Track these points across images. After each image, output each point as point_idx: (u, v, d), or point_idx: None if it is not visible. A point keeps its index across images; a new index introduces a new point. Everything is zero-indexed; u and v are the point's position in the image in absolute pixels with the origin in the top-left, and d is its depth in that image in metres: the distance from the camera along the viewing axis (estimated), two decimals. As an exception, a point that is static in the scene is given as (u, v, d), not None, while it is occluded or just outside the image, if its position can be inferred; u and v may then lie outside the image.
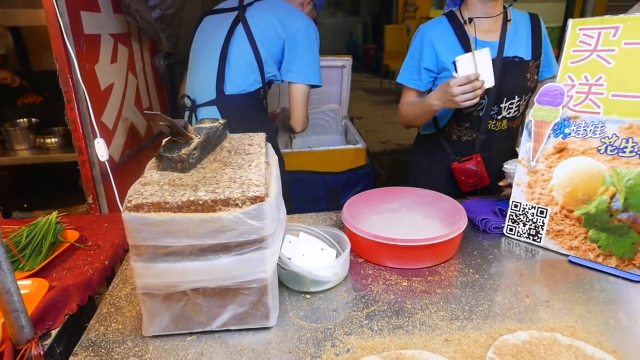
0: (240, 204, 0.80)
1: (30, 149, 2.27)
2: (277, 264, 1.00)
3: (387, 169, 3.94)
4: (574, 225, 1.14)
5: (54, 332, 0.91)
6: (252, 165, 0.92)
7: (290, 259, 1.03)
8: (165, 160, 0.90)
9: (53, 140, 2.25)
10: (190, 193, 0.81)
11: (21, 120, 2.40)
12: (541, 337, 0.87)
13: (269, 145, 1.11)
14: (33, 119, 2.41)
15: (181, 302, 0.86)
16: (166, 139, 0.95)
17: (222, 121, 1.05)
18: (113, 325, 0.93)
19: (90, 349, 0.86)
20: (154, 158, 0.92)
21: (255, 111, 1.65)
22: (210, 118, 1.06)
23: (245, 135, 1.09)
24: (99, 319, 0.95)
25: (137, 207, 0.78)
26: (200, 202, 0.79)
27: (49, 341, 0.89)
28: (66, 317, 0.96)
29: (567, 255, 1.14)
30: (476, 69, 1.37)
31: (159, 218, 0.78)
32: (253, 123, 1.63)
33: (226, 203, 0.80)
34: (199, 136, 0.95)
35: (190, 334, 0.90)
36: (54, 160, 2.16)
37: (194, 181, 0.86)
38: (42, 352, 0.84)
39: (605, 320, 0.91)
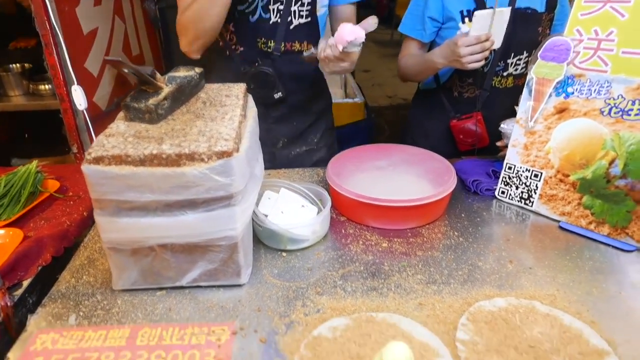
0: (206, 159, 0.76)
1: (24, 95, 2.23)
2: (253, 220, 0.97)
3: (391, 124, 3.85)
4: (568, 190, 1.08)
5: (25, 283, 0.91)
6: (226, 118, 0.87)
7: (267, 215, 1.00)
8: (132, 111, 0.85)
9: (47, 87, 2.20)
10: (154, 146, 0.77)
11: (14, 65, 2.34)
12: (519, 304, 0.84)
13: (250, 97, 1.05)
14: (26, 65, 2.35)
15: (149, 257, 0.84)
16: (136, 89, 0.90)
17: (198, 70, 0.99)
18: (84, 277, 0.92)
19: (59, 300, 0.86)
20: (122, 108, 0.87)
21: None
22: (186, 67, 1.00)
23: (224, 86, 1.03)
24: (71, 271, 0.94)
25: (97, 160, 0.75)
26: (164, 156, 0.75)
27: (20, 291, 0.89)
28: (39, 268, 0.95)
29: (559, 221, 1.09)
30: (490, 28, 1.26)
31: (120, 172, 0.74)
32: None
33: (191, 157, 0.75)
34: (170, 85, 0.90)
35: (160, 289, 0.88)
36: (48, 108, 2.13)
37: (160, 133, 0.81)
38: (9, 303, 0.83)
39: (589, 289, 0.88)
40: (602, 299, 0.86)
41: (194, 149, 0.76)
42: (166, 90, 0.88)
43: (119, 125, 0.85)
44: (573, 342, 0.75)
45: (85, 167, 0.74)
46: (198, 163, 0.76)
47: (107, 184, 0.75)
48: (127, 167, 0.75)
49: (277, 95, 1.38)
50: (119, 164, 0.75)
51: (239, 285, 0.90)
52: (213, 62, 1.43)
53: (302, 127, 1.51)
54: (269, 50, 1.34)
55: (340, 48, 1.06)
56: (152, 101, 0.84)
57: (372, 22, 1.06)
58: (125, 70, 0.82)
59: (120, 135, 0.81)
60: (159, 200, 0.78)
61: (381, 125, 2.93)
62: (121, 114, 0.89)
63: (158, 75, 0.87)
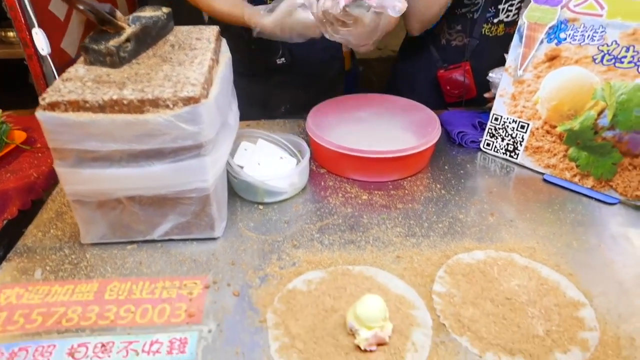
0: (171, 105, 0.71)
1: (-6, 42, 2.11)
2: (228, 172, 0.94)
3: (380, 76, 3.74)
4: (554, 142, 1.05)
5: (-11, 236, 0.87)
6: (195, 62, 0.81)
7: (243, 167, 0.96)
8: (91, 53, 0.78)
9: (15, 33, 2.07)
10: (115, 91, 0.71)
11: (-20, 9, 2.19)
12: (498, 257, 0.82)
13: (224, 41, 0.98)
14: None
15: (116, 210, 0.81)
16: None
17: (165, 10, 0.92)
18: (52, 231, 0.88)
19: (25, 255, 0.83)
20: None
21: None
22: (153, 6, 0.92)
23: (195, 28, 0.96)
24: (38, 225, 0.90)
25: (52, 106, 0.69)
26: (125, 101, 0.70)
27: (-17, 245, 0.85)
28: (5, 221, 0.92)
29: (543, 174, 1.07)
30: None
31: (77, 119, 0.69)
32: None
33: (155, 104, 0.70)
34: (134, 26, 0.83)
35: (131, 242, 0.85)
36: (16, 56, 2.01)
37: (122, 78, 0.75)
38: (-29, 257, 0.80)
39: (569, 242, 0.87)
40: (582, 251, 0.85)
41: (158, 95, 0.70)
42: (129, 31, 0.81)
43: (78, 69, 0.79)
44: (550, 294, 0.74)
45: (39, 114, 0.69)
46: (163, 110, 0.71)
47: (65, 132, 0.70)
48: (85, 113, 0.69)
49: (281, 61, 1.26)
50: (77, 110, 0.70)
51: (213, 239, 0.87)
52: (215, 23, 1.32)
53: (307, 94, 1.36)
54: None
55: (342, 3, 0.82)
56: (112, 43, 0.78)
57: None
58: (81, 7, 0.74)
59: (78, 79, 0.75)
60: (123, 150, 0.73)
61: (369, 78, 2.84)
62: (81, 58, 0.82)
63: (118, 13, 0.80)
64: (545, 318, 0.70)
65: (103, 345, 0.67)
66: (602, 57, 0.97)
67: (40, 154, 1.13)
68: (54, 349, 0.66)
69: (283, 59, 1.25)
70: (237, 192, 0.98)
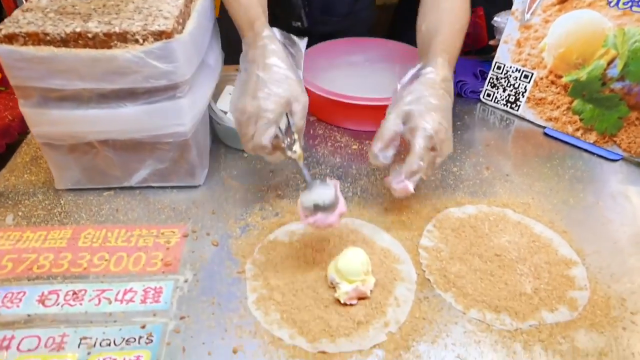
0: (141, 40, 0.64)
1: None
2: (212, 118, 0.88)
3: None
4: (558, 93, 0.99)
5: (-40, 179, 0.83)
6: (171, -7, 0.74)
7: (227, 113, 0.91)
8: (55, -20, 0.71)
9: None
10: (79, 23, 0.65)
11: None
12: (490, 212, 0.79)
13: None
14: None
15: (89, 154, 0.76)
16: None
17: None
18: (25, 176, 0.85)
19: (-4, 199, 0.79)
20: (45, -23, 0.73)
21: None
22: None
23: (174, -43, 0.87)
24: (11, 169, 0.86)
25: (10, 38, 0.63)
26: (90, 35, 0.63)
27: (-46, 188, 0.81)
28: (-23, 164, 0.87)
29: (544, 127, 1.02)
30: None
31: (37, 53, 0.63)
32: None
33: (123, 38, 0.64)
34: (103, -49, 0.75)
35: (107, 189, 0.82)
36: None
37: (89, 9, 0.69)
38: (-61, 200, 0.77)
39: (565, 199, 0.83)
40: (578, 208, 0.81)
41: (126, 28, 0.64)
42: (96, -44, 0.73)
43: (42, -2, 0.72)
44: (541, 251, 0.71)
45: (-4, 47, 0.63)
46: (132, 45, 0.64)
47: (25, 68, 0.64)
48: (46, 47, 0.63)
49: (296, 25, 1.16)
50: (37, 43, 0.64)
51: (194, 187, 0.83)
52: None
53: None
54: None
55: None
56: (78, -31, 0.70)
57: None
58: None
59: (40, 10, 0.68)
60: (91, 89, 0.67)
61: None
62: (46, -14, 0.75)
63: None
64: (534, 276, 0.67)
65: (75, 293, 0.64)
66: (619, 0, 0.89)
67: (15, 96, 1.07)
68: (24, 296, 0.64)
69: (299, 23, 1.15)
70: (222, 139, 0.93)
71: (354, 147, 0.94)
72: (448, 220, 0.77)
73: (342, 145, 0.95)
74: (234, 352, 0.57)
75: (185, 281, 0.66)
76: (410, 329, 0.60)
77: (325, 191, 0.65)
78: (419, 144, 0.67)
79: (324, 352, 0.57)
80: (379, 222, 0.76)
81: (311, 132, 0.98)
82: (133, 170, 0.80)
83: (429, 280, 0.67)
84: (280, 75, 0.69)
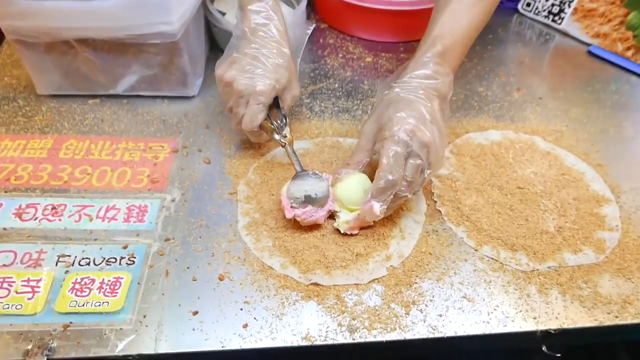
0: None
1: None
2: (208, 20, 0.78)
3: None
4: (612, 3, 0.84)
5: None
6: None
7: (225, 14, 0.80)
8: None
9: None
10: None
11: None
12: (516, 139, 0.70)
13: None
14: None
15: (68, 56, 0.68)
16: None
17: None
18: (6, 79, 0.77)
19: (-27, 102, 0.73)
20: None
21: None
22: None
23: None
24: (-11, 69, 0.79)
25: None
26: None
27: None
28: (-47, 63, 0.80)
29: (589, 45, 0.89)
30: None
31: None
32: None
33: None
34: None
35: (93, 96, 0.74)
36: None
37: None
38: None
39: (604, 128, 0.73)
40: (618, 139, 0.71)
41: None
42: None
43: None
44: (570, 185, 0.63)
45: None
46: None
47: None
48: None
49: None
50: None
51: (187, 98, 0.75)
52: None
53: None
54: None
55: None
56: None
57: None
58: None
59: None
60: (59, -25, 0.57)
61: None
62: None
63: None
64: (559, 213, 0.60)
65: (54, 208, 0.60)
66: None
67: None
68: (0, 208, 0.59)
69: None
70: (220, 44, 0.83)
71: (368, 59, 0.84)
72: (468, 146, 0.68)
73: (355, 57, 0.84)
74: (220, 279, 0.53)
75: (172, 200, 0.61)
76: (415, 264, 0.55)
77: (318, 182, 0.57)
78: (386, 154, 0.51)
79: (316, 284, 0.52)
80: (390, 145, 0.68)
81: (321, 41, 0.87)
82: (118, 76, 0.72)
83: (439, 211, 0.60)
84: (278, 58, 0.60)
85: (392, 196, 0.52)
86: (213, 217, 0.59)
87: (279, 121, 0.62)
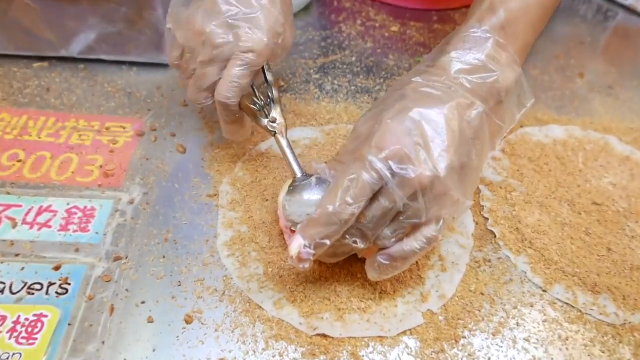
0: None
1: None
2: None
3: None
4: (701, -29, 0.68)
5: None
6: None
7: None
8: None
9: None
10: None
11: None
12: (585, 137, 0.54)
13: None
14: None
15: (1, 3, 0.51)
16: None
17: None
18: None
19: None
20: None
21: None
22: None
23: None
24: None
25: None
26: None
27: None
28: None
29: (665, 23, 0.72)
30: None
31: None
32: None
33: None
34: None
35: (40, 59, 0.57)
36: None
37: None
38: None
39: (697, 127, 0.57)
40: None
41: None
42: None
43: None
44: (663, 203, 0.48)
45: None
46: None
47: None
48: None
49: None
50: None
51: (162, 65, 0.58)
52: None
53: None
54: None
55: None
56: None
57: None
58: None
59: None
60: None
61: None
62: None
63: None
64: (654, 241, 0.45)
65: (-34, 206, 0.44)
66: None
67: None
68: None
69: None
70: None
71: (393, 28, 0.67)
72: (524, 144, 0.53)
73: (377, 25, 0.67)
74: (187, 321, 0.37)
75: (130, 202, 0.45)
76: (461, 308, 0.39)
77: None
78: (341, 176, 0.34)
79: (324, 336, 0.37)
80: (423, 138, 0.52)
81: (334, 3, 0.70)
82: (70, 33, 0.55)
83: (492, 233, 0.45)
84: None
85: (327, 241, 0.33)
86: (183, 229, 0.43)
87: (263, 97, 0.43)
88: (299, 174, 0.39)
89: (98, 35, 0.55)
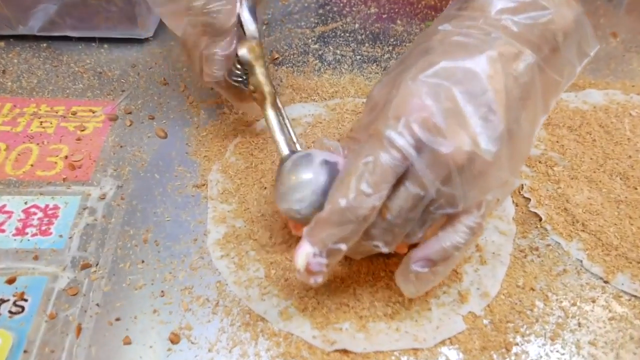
0: None
1: None
2: None
3: None
4: None
5: None
6: None
7: None
8: None
9: None
10: None
11: None
12: (629, 102, 0.47)
13: None
14: None
15: (-61, -34, 0.43)
16: None
17: None
18: None
19: None
20: None
21: None
22: None
23: None
24: None
25: None
26: None
27: None
28: None
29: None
30: None
31: None
32: None
33: None
34: None
35: (-3, 37, 0.50)
36: None
37: None
38: None
39: None
40: None
41: None
42: None
43: None
44: None
45: None
46: None
47: None
48: None
49: None
50: None
51: (139, 41, 0.51)
52: None
53: None
54: None
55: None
56: None
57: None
58: None
59: None
60: None
61: None
62: None
63: None
64: None
65: None
66: None
67: None
68: None
69: None
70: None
71: (400, -9, 0.59)
72: (560, 112, 0.45)
73: (381, -13, 0.60)
74: (173, 340, 0.30)
75: (102, 198, 0.37)
76: (509, 309, 0.32)
77: (328, 171, 0.29)
78: (354, 159, 0.26)
79: (345, 352, 0.29)
80: (443, 110, 0.45)
81: (331, -34, 0.63)
82: (27, 6, 0.47)
83: (536, 215, 0.37)
84: None
85: (342, 245, 0.26)
86: (166, 227, 0.36)
87: (242, 66, 0.35)
88: (284, 152, 0.32)
89: (60, 7, 0.47)
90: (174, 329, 0.30)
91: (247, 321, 0.31)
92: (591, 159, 0.41)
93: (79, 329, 0.30)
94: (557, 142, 0.43)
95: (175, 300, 0.32)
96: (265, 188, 0.38)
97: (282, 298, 0.32)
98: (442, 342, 0.30)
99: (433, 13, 0.56)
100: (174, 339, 0.30)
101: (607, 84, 0.49)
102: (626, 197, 0.38)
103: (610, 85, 0.49)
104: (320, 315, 0.31)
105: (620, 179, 0.40)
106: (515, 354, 0.30)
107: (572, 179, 0.40)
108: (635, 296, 0.33)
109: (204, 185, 0.38)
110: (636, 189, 0.39)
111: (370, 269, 0.33)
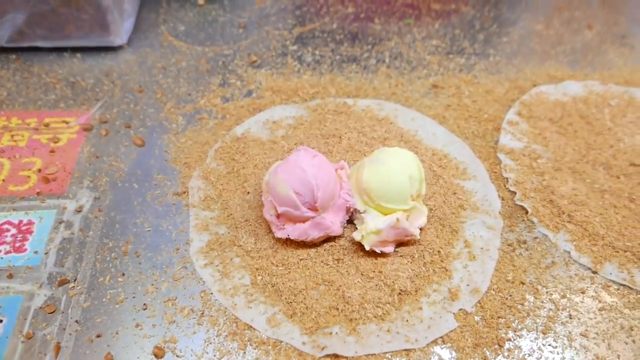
0: None
1: None
2: None
3: None
4: None
5: None
6: None
7: None
8: None
9: None
10: None
11: None
12: (607, 92, 0.47)
13: None
14: None
15: None
16: None
17: None
18: None
19: None
20: None
21: None
22: None
23: None
24: None
25: None
26: None
27: None
28: None
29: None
30: None
31: None
32: None
33: None
34: None
35: (-40, 49, 0.48)
36: None
37: None
38: None
39: None
40: None
41: None
42: None
43: None
44: None
45: None
46: None
47: None
48: None
49: None
50: None
51: (112, 50, 0.50)
52: None
53: None
54: None
55: None
56: None
57: None
58: None
59: None
60: None
61: None
62: None
63: None
64: None
65: None
66: None
67: None
68: None
69: None
70: (161, -26, 0.57)
71: (377, -10, 0.59)
72: (541, 104, 0.45)
73: (357, -12, 0.59)
74: (157, 354, 0.29)
75: (78, 211, 0.36)
76: (500, 304, 0.32)
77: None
78: None
79: (336, 357, 0.29)
80: (426, 106, 0.45)
81: (307, -32, 0.62)
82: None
83: (522, 208, 0.37)
84: None
85: None
86: (147, 238, 0.35)
87: None
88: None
89: (29, 16, 0.46)
90: (158, 342, 0.29)
91: (234, 330, 0.30)
92: (574, 150, 0.41)
93: (58, 348, 0.29)
94: (540, 134, 0.43)
95: (159, 312, 0.31)
96: (249, 193, 0.37)
97: (269, 305, 0.31)
98: (434, 342, 0.30)
99: (411, 11, 0.56)
100: (159, 353, 0.29)
101: (586, 75, 0.50)
102: (610, 187, 0.39)
103: (589, 77, 0.50)
104: (309, 320, 0.30)
105: (604, 168, 0.40)
106: (508, 350, 0.30)
107: (556, 170, 0.40)
108: (623, 285, 0.33)
109: (184, 192, 0.37)
110: (619, 178, 0.39)
111: (358, 269, 0.32)
